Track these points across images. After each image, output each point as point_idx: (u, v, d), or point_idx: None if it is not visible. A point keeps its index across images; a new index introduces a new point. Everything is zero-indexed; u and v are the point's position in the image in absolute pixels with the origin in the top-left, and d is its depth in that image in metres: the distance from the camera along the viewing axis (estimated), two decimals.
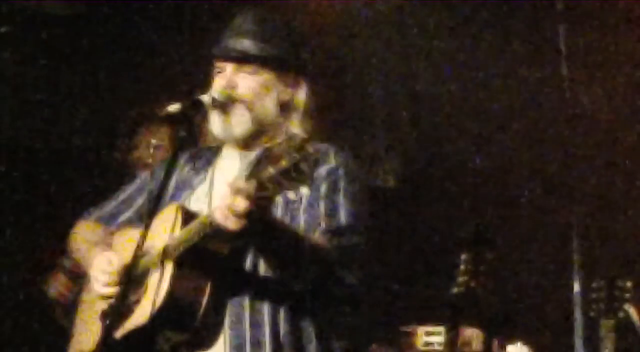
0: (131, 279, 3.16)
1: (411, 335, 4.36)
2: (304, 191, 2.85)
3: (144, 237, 3.03)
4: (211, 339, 3.21)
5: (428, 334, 4.33)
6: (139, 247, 3.03)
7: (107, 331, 3.01)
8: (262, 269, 3.24)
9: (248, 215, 2.91)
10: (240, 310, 3.21)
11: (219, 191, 3.31)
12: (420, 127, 5.22)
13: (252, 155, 3.38)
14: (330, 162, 3.33)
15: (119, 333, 3.20)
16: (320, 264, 3.16)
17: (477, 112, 5.09)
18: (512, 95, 4.97)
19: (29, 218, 5.61)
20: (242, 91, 3.32)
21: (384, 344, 4.48)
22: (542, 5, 4.94)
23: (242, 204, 2.89)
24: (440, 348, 4.17)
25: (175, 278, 3.14)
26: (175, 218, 3.23)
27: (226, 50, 3.37)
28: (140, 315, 3.18)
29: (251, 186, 2.87)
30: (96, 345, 3.00)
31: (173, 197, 3.41)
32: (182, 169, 3.49)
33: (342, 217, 3.25)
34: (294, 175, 2.82)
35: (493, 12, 5.01)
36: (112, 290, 3.30)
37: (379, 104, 5.36)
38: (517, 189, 4.97)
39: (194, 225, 3.13)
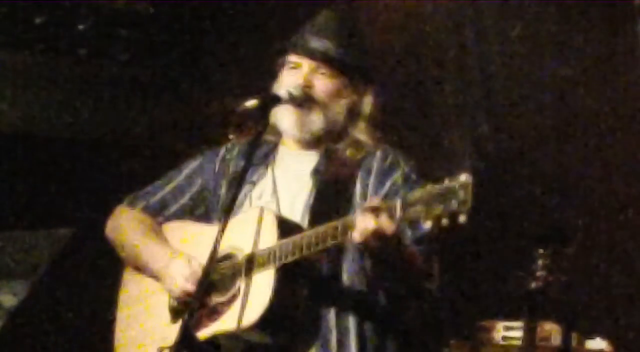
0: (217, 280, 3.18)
1: (490, 330, 4.38)
2: (462, 219, 2.72)
3: (220, 235, 3.02)
4: (304, 349, 3.21)
5: (507, 328, 4.33)
6: (216, 246, 3.01)
7: (186, 329, 2.99)
8: (347, 280, 3.25)
9: (391, 238, 2.90)
10: (327, 322, 3.21)
11: (285, 190, 3.34)
12: (496, 124, 5.21)
13: (315, 155, 3.39)
14: (402, 166, 3.34)
15: (201, 334, 3.18)
16: (410, 275, 3.18)
17: (555, 110, 5.06)
18: (588, 93, 4.94)
19: None
20: (318, 92, 3.35)
21: (463, 339, 4.50)
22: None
23: (390, 227, 2.87)
24: (519, 343, 4.18)
25: (278, 286, 3.10)
26: (263, 223, 3.19)
27: (307, 48, 3.38)
28: (233, 319, 3.14)
29: (399, 208, 2.84)
30: (175, 343, 2.97)
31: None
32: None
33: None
34: (447, 199, 2.73)
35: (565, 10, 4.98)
36: (191, 288, 3.22)
37: (454, 98, 5.37)
38: (597, 184, 4.94)
39: (311, 234, 3.08)
